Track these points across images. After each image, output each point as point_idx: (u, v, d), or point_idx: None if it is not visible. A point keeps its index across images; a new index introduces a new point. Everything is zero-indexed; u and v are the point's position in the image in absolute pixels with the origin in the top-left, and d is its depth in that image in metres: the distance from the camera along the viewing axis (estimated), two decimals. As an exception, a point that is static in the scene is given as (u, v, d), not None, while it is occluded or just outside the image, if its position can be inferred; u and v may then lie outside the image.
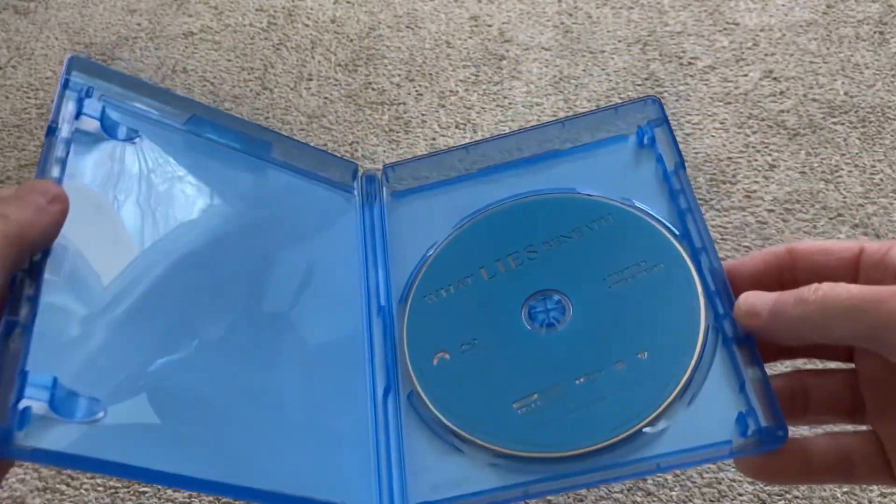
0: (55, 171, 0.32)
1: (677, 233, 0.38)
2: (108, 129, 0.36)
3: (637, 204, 0.39)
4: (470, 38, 0.85)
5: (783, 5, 0.83)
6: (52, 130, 0.33)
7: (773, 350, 0.35)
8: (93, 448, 0.28)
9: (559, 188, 0.41)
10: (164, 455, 0.30)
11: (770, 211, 0.69)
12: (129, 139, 0.36)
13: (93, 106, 0.35)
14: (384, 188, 0.43)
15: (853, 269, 0.32)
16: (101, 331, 0.31)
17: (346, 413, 0.36)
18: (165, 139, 0.38)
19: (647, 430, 0.33)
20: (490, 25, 0.86)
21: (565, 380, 0.35)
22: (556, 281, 0.38)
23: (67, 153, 0.33)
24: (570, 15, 0.85)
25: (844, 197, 0.69)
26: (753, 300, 0.32)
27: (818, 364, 0.37)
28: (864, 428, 0.33)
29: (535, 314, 0.37)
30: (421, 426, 0.36)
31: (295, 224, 0.41)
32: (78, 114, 0.35)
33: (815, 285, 0.30)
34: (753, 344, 0.33)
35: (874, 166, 0.70)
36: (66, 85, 0.35)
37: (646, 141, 0.41)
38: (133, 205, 0.35)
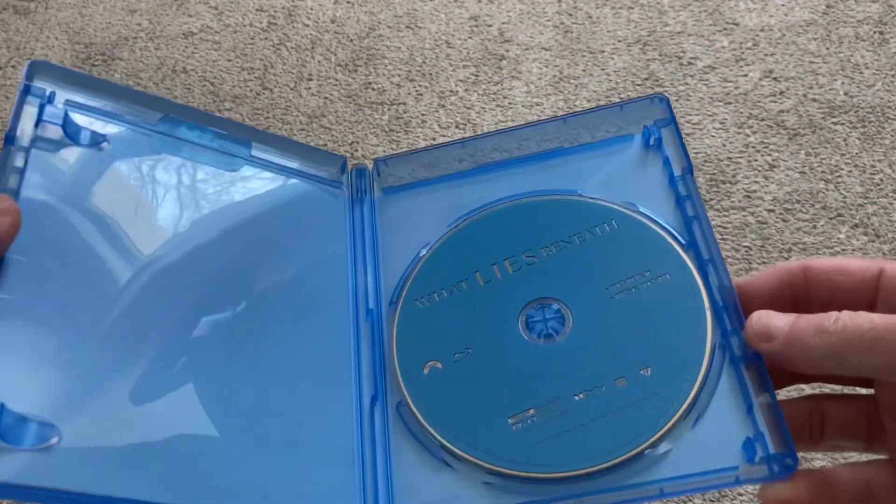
0: (12, 182, 0.31)
1: (683, 242, 0.36)
2: (71, 136, 0.34)
3: (641, 209, 0.37)
4: (470, 38, 0.85)
5: (783, 5, 0.82)
6: (9, 139, 0.31)
7: (786, 375, 0.33)
8: (46, 477, 0.26)
9: (560, 189, 0.39)
10: (130, 481, 0.28)
11: (770, 211, 0.69)
12: (95, 144, 0.34)
13: (54, 112, 0.33)
14: (375, 183, 0.41)
15: (872, 292, 0.31)
16: (59, 351, 0.29)
17: (331, 424, 0.34)
18: (136, 142, 0.36)
19: (648, 452, 0.31)
20: (490, 25, 0.85)
21: (563, 395, 0.33)
22: (555, 289, 0.36)
23: (26, 162, 0.31)
24: (570, 15, 0.85)
25: (844, 197, 0.69)
26: (767, 321, 0.30)
27: (835, 389, 0.35)
28: (881, 457, 0.31)
29: (532, 324, 0.35)
30: (409, 439, 0.34)
31: (278, 224, 0.39)
32: (38, 121, 0.33)
33: (834, 314, 0.28)
34: (763, 364, 0.31)
35: (874, 166, 0.70)
36: (26, 90, 0.33)
37: (652, 142, 0.38)
38: (98, 214, 0.33)
